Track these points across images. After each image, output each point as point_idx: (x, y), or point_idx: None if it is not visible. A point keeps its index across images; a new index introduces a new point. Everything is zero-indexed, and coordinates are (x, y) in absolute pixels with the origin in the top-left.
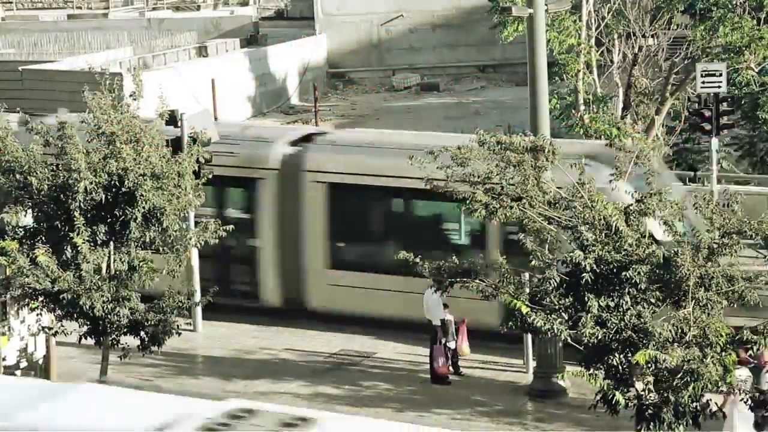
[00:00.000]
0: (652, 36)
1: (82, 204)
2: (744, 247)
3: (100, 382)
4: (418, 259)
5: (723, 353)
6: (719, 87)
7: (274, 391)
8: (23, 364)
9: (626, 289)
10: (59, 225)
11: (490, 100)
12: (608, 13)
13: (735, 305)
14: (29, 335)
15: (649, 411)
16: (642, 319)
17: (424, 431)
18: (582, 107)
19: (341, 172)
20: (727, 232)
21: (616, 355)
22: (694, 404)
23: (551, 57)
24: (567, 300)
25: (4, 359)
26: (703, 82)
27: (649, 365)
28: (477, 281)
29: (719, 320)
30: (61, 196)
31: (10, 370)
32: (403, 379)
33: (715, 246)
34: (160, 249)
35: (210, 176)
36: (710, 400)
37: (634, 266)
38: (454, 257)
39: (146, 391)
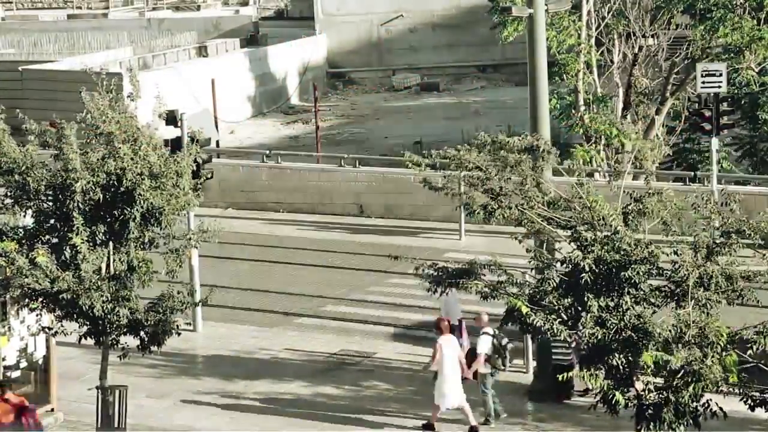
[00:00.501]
0: (652, 36)
1: (80, 204)
2: (743, 247)
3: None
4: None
5: (723, 353)
6: (719, 87)
7: (274, 391)
8: (23, 364)
9: (626, 289)
10: (58, 225)
11: (490, 100)
12: (608, 13)
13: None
14: (29, 335)
15: (650, 411)
16: (642, 319)
17: None
18: (582, 107)
19: None
20: (727, 232)
21: (616, 355)
22: (695, 404)
23: (551, 57)
24: (567, 300)
25: (4, 359)
26: (703, 82)
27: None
28: (477, 281)
29: (718, 320)
30: (60, 196)
31: (10, 370)
32: (403, 379)
33: (714, 245)
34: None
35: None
36: (710, 400)
37: (633, 266)
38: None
39: None
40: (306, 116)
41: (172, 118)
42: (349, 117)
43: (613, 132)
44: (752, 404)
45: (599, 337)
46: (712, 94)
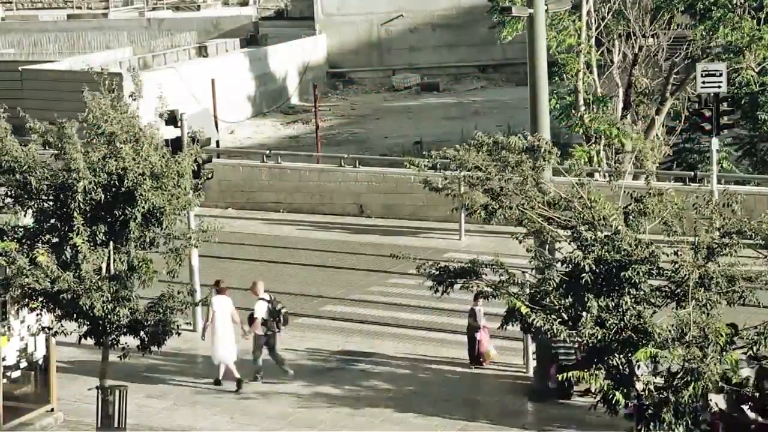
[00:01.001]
0: (652, 36)
1: (81, 204)
2: (744, 247)
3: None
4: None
5: (723, 353)
6: (719, 87)
7: (274, 391)
8: (23, 364)
9: (626, 289)
10: (59, 225)
11: (490, 100)
12: (608, 13)
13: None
14: (29, 335)
15: (649, 411)
16: (642, 320)
17: None
18: (582, 107)
19: None
20: (727, 232)
21: (616, 355)
22: (695, 404)
23: (551, 57)
24: (567, 300)
25: (4, 359)
26: (703, 82)
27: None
28: (477, 281)
29: (719, 320)
30: (61, 195)
31: (10, 370)
32: (403, 379)
33: (715, 246)
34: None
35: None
36: (710, 400)
37: (633, 266)
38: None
39: None
40: (306, 116)
41: (172, 118)
42: (349, 117)
43: (613, 132)
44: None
45: (599, 337)
46: (712, 94)
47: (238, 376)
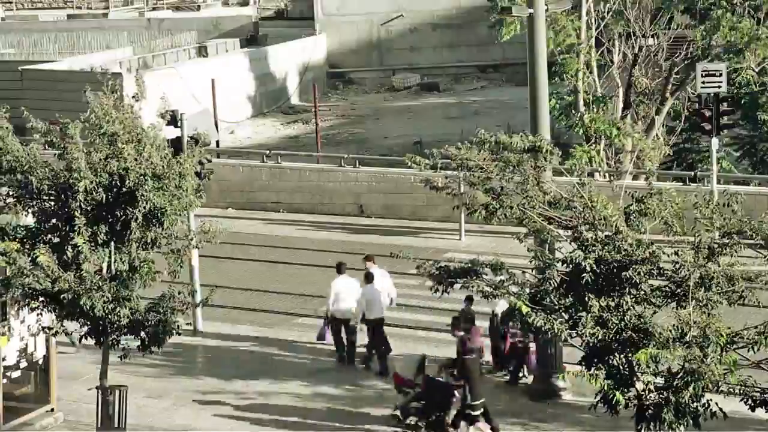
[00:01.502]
0: (652, 36)
1: (82, 204)
2: (744, 247)
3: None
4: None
5: (724, 353)
6: (719, 87)
7: (274, 392)
8: (23, 364)
9: (626, 289)
10: (60, 225)
11: (490, 100)
12: (608, 13)
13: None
14: (29, 335)
15: (650, 411)
16: (642, 320)
17: None
18: (582, 107)
19: None
20: (728, 233)
21: (617, 355)
22: (695, 404)
23: (551, 57)
24: (567, 300)
25: (4, 359)
26: (703, 82)
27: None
28: (478, 281)
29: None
30: (62, 195)
31: (10, 370)
32: None
33: (716, 246)
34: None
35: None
36: (710, 400)
37: (634, 266)
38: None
39: None
40: (306, 116)
41: (172, 119)
42: (349, 117)
43: (613, 132)
44: (752, 404)
45: (600, 337)
46: (711, 94)
47: None
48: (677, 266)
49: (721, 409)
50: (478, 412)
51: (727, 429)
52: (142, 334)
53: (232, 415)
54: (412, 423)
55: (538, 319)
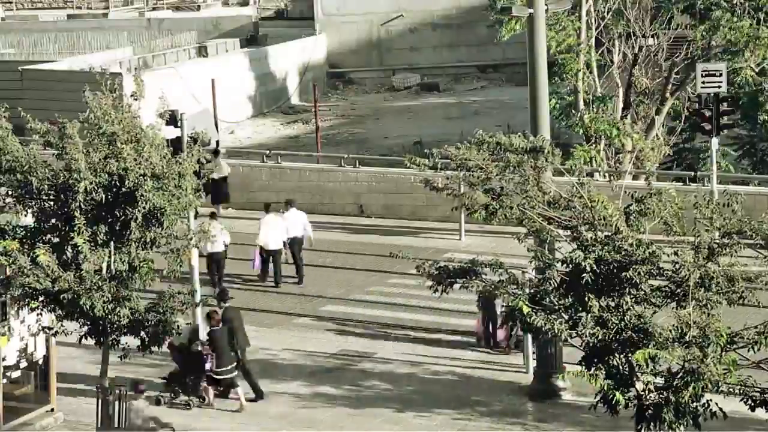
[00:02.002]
0: (652, 36)
1: (82, 204)
2: (744, 247)
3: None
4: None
5: (723, 353)
6: (719, 87)
7: (274, 392)
8: (23, 364)
9: (627, 289)
10: (60, 225)
11: (490, 100)
12: (608, 13)
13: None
14: (29, 335)
15: (650, 411)
16: (642, 319)
17: None
18: (582, 107)
19: None
20: (728, 233)
21: (617, 355)
22: (695, 404)
23: (551, 57)
24: (567, 300)
25: (4, 359)
26: (703, 82)
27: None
28: (477, 281)
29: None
30: (62, 196)
31: (10, 370)
32: (403, 379)
33: (716, 246)
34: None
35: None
36: (710, 400)
37: (634, 266)
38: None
39: None
40: (306, 116)
41: (172, 119)
42: (349, 117)
43: (613, 132)
44: (752, 404)
45: (600, 337)
46: (712, 94)
47: None
48: (677, 266)
49: (721, 409)
50: (226, 377)
51: (727, 429)
52: (142, 334)
53: (232, 415)
54: (174, 387)
55: (538, 319)
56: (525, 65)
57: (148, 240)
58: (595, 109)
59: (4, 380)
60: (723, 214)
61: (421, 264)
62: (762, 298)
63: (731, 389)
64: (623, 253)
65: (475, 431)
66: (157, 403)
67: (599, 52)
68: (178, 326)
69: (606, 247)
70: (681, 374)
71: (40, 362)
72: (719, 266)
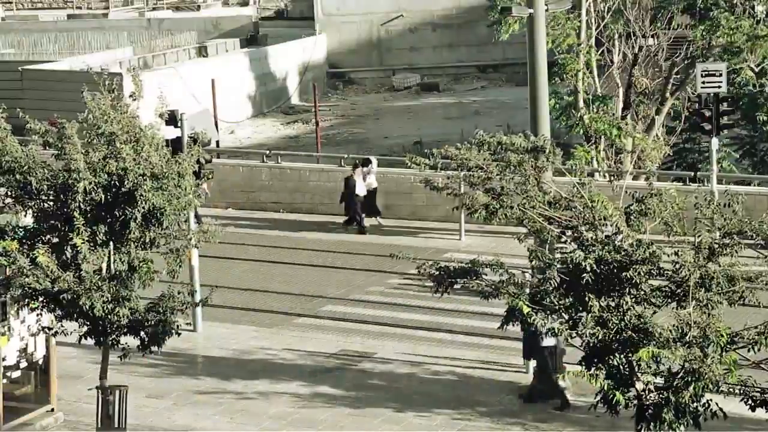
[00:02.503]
0: (652, 36)
1: (81, 204)
2: (744, 247)
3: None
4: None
5: (724, 353)
6: (719, 87)
7: (274, 392)
8: (23, 364)
9: (627, 290)
10: (59, 225)
11: (490, 100)
12: (608, 13)
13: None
14: (29, 335)
15: (650, 411)
16: (643, 320)
17: None
18: (582, 107)
19: None
20: (728, 233)
21: (617, 355)
22: (695, 404)
23: (551, 57)
24: (567, 300)
25: (4, 359)
26: (703, 82)
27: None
28: (477, 281)
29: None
30: (61, 196)
31: (10, 370)
32: (403, 379)
33: (716, 246)
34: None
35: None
36: (710, 400)
37: (634, 266)
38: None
39: None
40: (306, 116)
41: (172, 119)
42: (349, 117)
43: (613, 132)
44: (752, 404)
45: (600, 336)
46: (711, 94)
47: None
48: (677, 266)
49: (721, 409)
50: None
51: (727, 429)
52: (142, 334)
53: (232, 415)
54: None
55: (538, 319)
56: (525, 65)
57: (147, 240)
58: (595, 109)
59: (4, 380)
60: (724, 215)
61: (421, 264)
62: (762, 298)
63: (731, 389)
64: (623, 253)
65: (474, 431)
66: None
67: (599, 52)
68: (178, 326)
69: (606, 247)
70: (681, 374)
71: (40, 362)
72: (720, 266)
